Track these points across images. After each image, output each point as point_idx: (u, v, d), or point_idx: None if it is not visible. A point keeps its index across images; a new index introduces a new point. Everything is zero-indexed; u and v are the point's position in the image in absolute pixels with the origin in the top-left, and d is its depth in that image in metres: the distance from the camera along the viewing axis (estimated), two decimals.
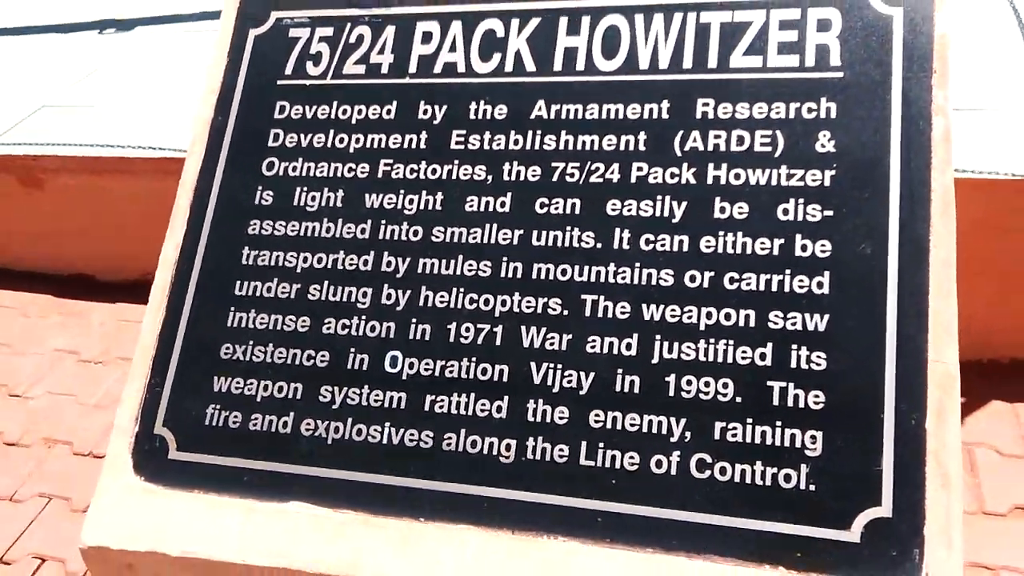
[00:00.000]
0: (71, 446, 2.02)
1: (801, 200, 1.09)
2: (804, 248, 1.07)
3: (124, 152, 2.30)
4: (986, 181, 1.56)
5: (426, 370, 1.11)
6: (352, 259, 1.18)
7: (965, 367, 1.74)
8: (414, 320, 1.14)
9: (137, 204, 2.36)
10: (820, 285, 1.05)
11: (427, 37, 1.30)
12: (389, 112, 1.26)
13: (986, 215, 1.58)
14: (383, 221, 1.19)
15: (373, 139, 1.25)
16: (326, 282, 1.18)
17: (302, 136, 1.27)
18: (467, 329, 1.12)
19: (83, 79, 2.86)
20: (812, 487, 0.98)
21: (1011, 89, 1.80)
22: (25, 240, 2.62)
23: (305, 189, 1.24)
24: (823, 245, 1.06)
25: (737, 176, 1.12)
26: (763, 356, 1.03)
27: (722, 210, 1.10)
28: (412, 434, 1.09)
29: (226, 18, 1.38)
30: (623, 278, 1.10)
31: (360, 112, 1.27)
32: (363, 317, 1.15)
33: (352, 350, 1.14)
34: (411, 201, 1.20)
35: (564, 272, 1.12)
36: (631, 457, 1.03)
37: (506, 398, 1.08)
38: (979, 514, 1.53)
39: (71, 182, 2.40)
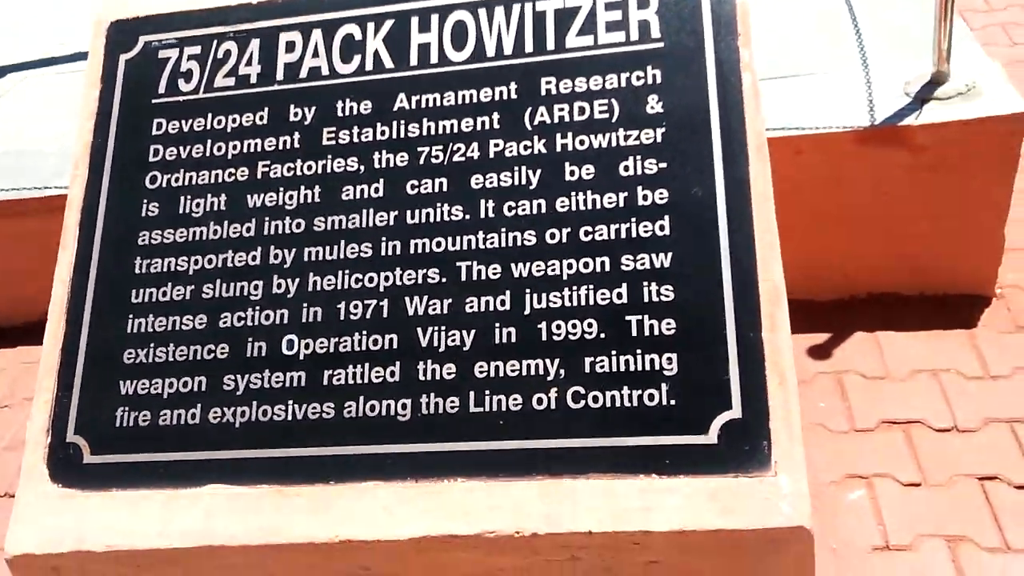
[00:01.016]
0: None
1: (639, 157, 1.23)
2: (645, 198, 1.21)
3: (10, 195, 2.29)
4: (824, 135, 1.74)
5: (321, 348, 1.20)
6: (241, 256, 1.26)
7: (829, 305, 1.94)
8: (305, 304, 1.23)
9: (28, 245, 2.35)
10: (662, 228, 1.19)
11: (291, 46, 1.39)
12: (262, 118, 1.35)
13: (828, 167, 1.76)
14: (266, 218, 1.28)
15: (249, 144, 1.33)
16: (218, 280, 1.26)
17: (181, 148, 1.34)
18: (355, 306, 1.22)
19: None
20: (672, 402, 1.12)
21: (841, 52, 2.00)
22: None
23: (189, 197, 1.31)
24: (661, 193, 1.21)
25: (582, 142, 1.25)
26: (619, 296, 1.17)
27: (572, 173, 1.24)
28: (314, 407, 1.18)
29: (95, 46, 1.44)
30: (491, 243, 1.22)
31: (234, 121, 1.35)
32: (257, 308, 1.24)
33: (250, 339, 1.22)
34: (291, 197, 1.29)
35: (439, 244, 1.23)
36: (515, 399, 1.15)
37: (397, 363, 1.18)
38: (851, 432, 1.69)
39: None
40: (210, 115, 1.36)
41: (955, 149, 1.65)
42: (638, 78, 1.28)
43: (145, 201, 1.32)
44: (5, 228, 2.36)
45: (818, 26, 2.15)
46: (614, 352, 1.14)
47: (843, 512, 1.52)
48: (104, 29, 1.45)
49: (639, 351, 1.14)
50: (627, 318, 1.16)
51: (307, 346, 1.21)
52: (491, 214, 1.23)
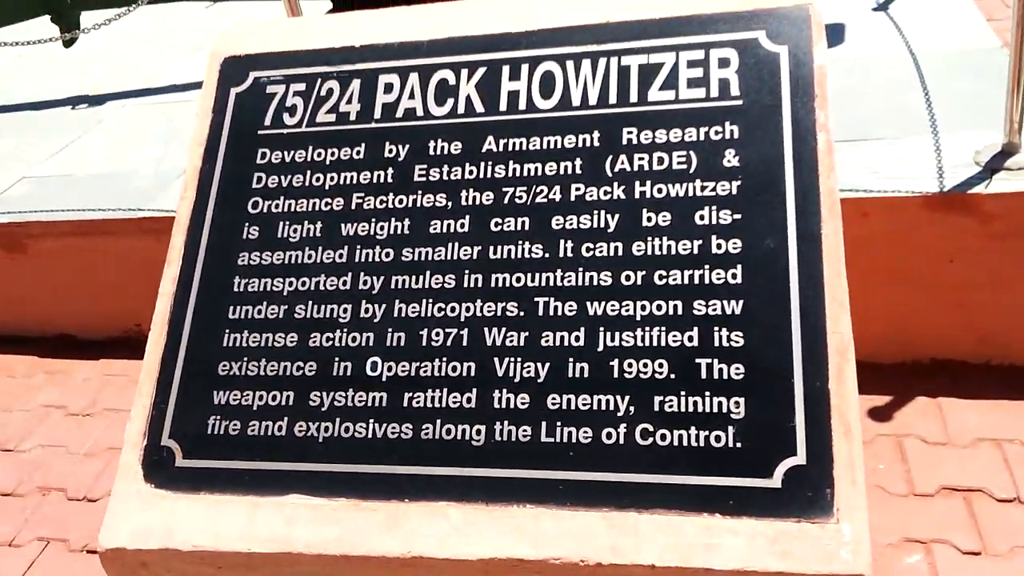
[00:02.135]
0: (65, 492, 2.11)
1: (714, 207, 1.29)
2: (719, 247, 1.26)
3: (105, 215, 2.45)
4: (892, 199, 1.78)
5: (403, 371, 1.27)
6: (332, 280, 1.35)
7: (891, 368, 1.94)
8: (390, 329, 1.30)
9: (116, 264, 2.49)
10: (734, 276, 1.24)
11: (389, 88, 1.50)
12: (359, 153, 1.44)
13: (894, 231, 1.79)
14: (358, 246, 1.36)
15: (346, 176, 1.43)
16: (310, 302, 1.34)
17: (282, 177, 1.45)
18: (437, 334, 1.28)
19: (59, 151, 3.01)
20: (738, 444, 1.15)
21: (912, 119, 2.05)
22: (7, 304, 2.73)
23: (288, 223, 1.40)
24: (735, 243, 1.26)
25: (660, 190, 1.31)
26: (690, 338, 1.21)
27: (649, 219, 1.30)
28: (394, 427, 1.24)
29: (209, 79, 1.56)
30: (569, 281, 1.28)
31: (333, 154, 1.45)
32: (344, 330, 1.31)
33: (336, 359, 1.29)
34: (382, 228, 1.37)
35: (519, 280, 1.30)
36: (585, 432, 1.19)
37: (474, 390, 1.24)
38: (910, 496, 1.69)
39: (54, 245, 2.53)
40: (311, 147, 1.46)
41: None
42: (716, 132, 1.34)
43: (247, 224, 1.42)
44: (96, 246, 2.51)
45: (889, 92, 2.20)
46: (683, 392, 1.19)
47: (900, 575, 1.52)
48: (218, 64, 1.57)
49: (707, 393, 1.18)
50: (697, 361, 1.20)
51: (389, 369, 1.27)
52: (570, 254, 1.30)
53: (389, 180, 1.41)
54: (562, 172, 1.36)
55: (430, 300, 1.31)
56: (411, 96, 1.48)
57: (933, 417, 1.80)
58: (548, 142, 1.39)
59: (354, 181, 1.42)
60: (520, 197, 1.35)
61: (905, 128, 2.02)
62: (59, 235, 2.48)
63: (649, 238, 1.28)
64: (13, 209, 2.58)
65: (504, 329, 1.27)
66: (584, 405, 1.21)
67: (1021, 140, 1.79)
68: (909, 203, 1.75)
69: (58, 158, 2.95)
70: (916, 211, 1.75)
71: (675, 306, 1.23)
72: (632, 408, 1.19)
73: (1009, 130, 1.78)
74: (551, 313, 1.26)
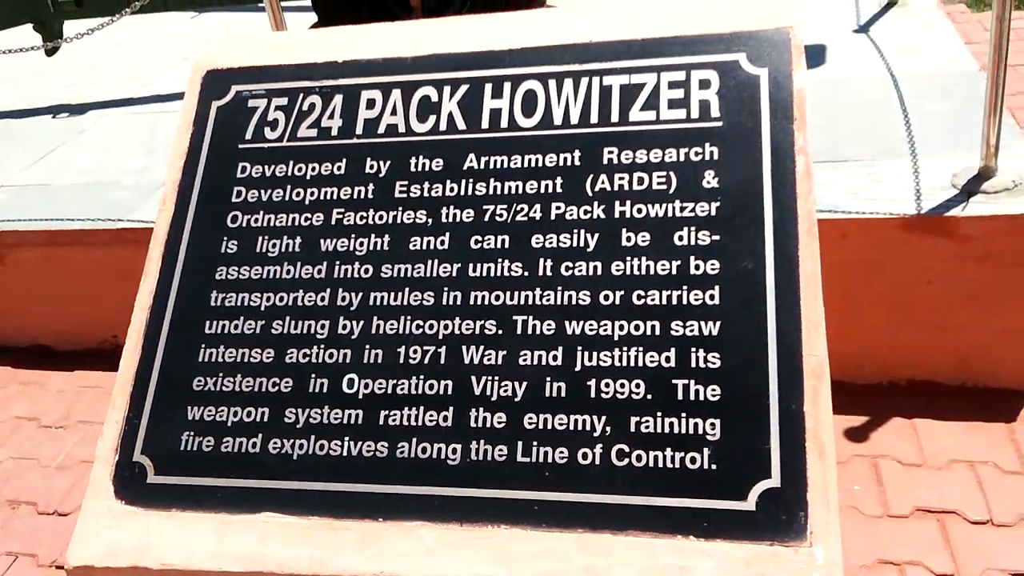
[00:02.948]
0: (36, 506, 2.08)
1: (693, 228, 1.29)
2: (697, 267, 1.26)
3: (84, 225, 2.42)
4: (870, 220, 1.80)
5: (380, 389, 1.26)
6: (311, 296, 1.34)
7: (868, 389, 1.95)
8: (367, 346, 1.29)
9: (94, 275, 2.46)
10: (712, 297, 1.24)
11: (371, 103, 1.49)
12: (340, 168, 1.44)
13: (872, 252, 1.80)
14: (337, 262, 1.36)
15: (326, 192, 1.42)
16: (288, 317, 1.33)
17: (262, 192, 1.44)
18: (415, 351, 1.28)
19: (38, 160, 2.98)
20: (713, 467, 1.15)
21: (891, 141, 2.07)
22: None
23: (267, 237, 1.40)
24: (713, 264, 1.26)
25: (639, 210, 1.32)
26: (668, 359, 1.21)
27: (628, 239, 1.30)
28: (369, 445, 1.23)
29: (190, 92, 1.56)
30: (548, 300, 1.28)
31: (314, 169, 1.44)
32: (322, 346, 1.30)
33: (312, 375, 1.29)
34: (361, 244, 1.37)
35: (497, 298, 1.30)
36: (561, 452, 1.19)
37: (451, 408, 1.24)
38: (884, 517, 1.69)
39: (30, 256, 2.50)
40: (292, 162, 1.46)
41: (1001, 242, 1.69)
42: (696, 154, 1.35)
43: (225, 238, 1.41)
44: (73, 256, 2.48)
45: (869, 113, 2.22)
46: (659, 414, 1.19)
47: None
48: (200, 78, 1.56)
49: (684, 414, 1.18)
50: (674, 381, 1.20)
51: (366, 386, 1.27)
52: (549, 272, 1.30)
53: (370, 196, 1.40)
54: (543, 191, 1.36)
55: (409, 317, 1.30)
56: (393, 112, 1.48)
57: (909, 438, 1.81)
58: (529, 160, 1.39)
59: (335, 196, 1.41)
60: (500, 215, 1.35)
61: (884, 149, 2.04)
62: (35, 245, 2.45)
63: (628, 258, 1.29)
64: None
65: (482, 347, 1.26)
66: (561, 425, 1.20)
67: (997, 163, 1.81)
68: (887, 225, 1.77)
69: (37, 167, 2.92)
70: (894, 233, 1.77)
71: (653, 326, 1.23)
72: (608, 429, 1.19)
73: (986, 153, 1.81)
74: (529, 332, 1.26)
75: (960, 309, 1.78)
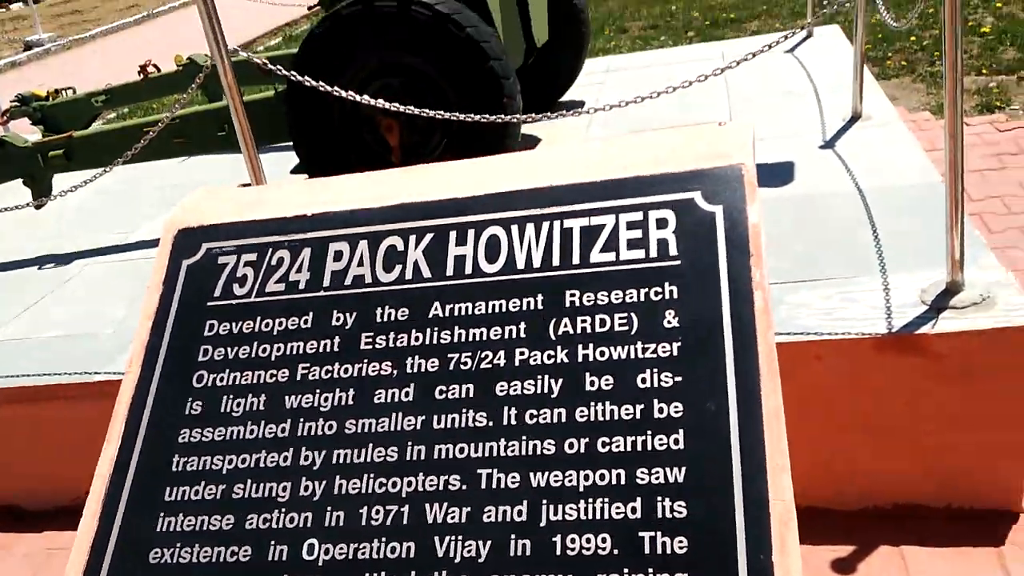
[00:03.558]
0: None
1: (655, 369, 1.29)
2: (661, 411, 1.25)
3: (60, 379, 2.42)
4: (843, 341, 1.79)
5: (340, 554, 1.23)
6: (273, 456, 1.32)
7: (853, 515, 1.89)
8: (329, 508, 1.26)
9: (68, 430, 2.43)
10: (676, 442, 1.22)
11: (339, 255, 1.52)
12: (306, 322, 1.45)
13: (847, 374, 1.78)
14: (301, 419, 1.35)
15: (292, 346, 1.43)
16: (249, 480, 1.31)
17: (229, 349, 1.45)
18: (377, 512, 1.25)
19: (20, 314, 3.01)
20: None
21: (860, 259, 2.09)
22: None
23: (231, 396, 1.39)
24: (676, 407, 1.25)
25: (602, 353, 1.32)
26: (634, 510, 1.18)
27: (592, 383, 1.29)
28: None
29: (162, 251, 1.59)
30: (512, 451, 1.26)
31: (281, 324, 1.46)
32: (283, 510, 1.28)
33: (272, 542, 1.25)
34: (326, 399, 1.36)
35: (462, 450, 1.28)
36: None
37: (413, 572, 1.20)
38: None
39: (5, 413, 2.48)
40: (259, 318, 1.47)
41: (974, 359, 1.68)
42: (656, 293, 1.36)
43: (190, 399, 1.40)
44: (47, 412, 2.46)
45: (839, 229, 2.25)
46: (626, 570, 1.15)
47: None
48: (171, 236, 1.60)
49: (651, 570, 1.14)
50: (640, 534, 1.16)
51: (327, 551, 1.23)
52: (513, 421, 1.28)
53: (335, 349, 1.41)
54: (506, 336, 1.37)
55: (371, 475, 1.28)
56: (360, 263, 1.50)
57: (897, 568, 1.75)
58: (493, 306, 1.40)
59: (300, 351, 1.42)
60: (465, 363, 1.35)
61: (856, 267, 2.06)
62: (7, 402, 2.43)
63: (592, 403, 1.27)
64: None
65: (446, 504, 1.24)
66: None
67: (964, 277, 1.83)
68: (861, 345, 1.76)
69: (19, 321, 2.94)
70: (868, 353, 1.76)
71: (618, 475, 1.21)
72: None
73: (951, 268, 1.82)
74: (494, 486, 1.24)
75: (939, 429, 1.75)
